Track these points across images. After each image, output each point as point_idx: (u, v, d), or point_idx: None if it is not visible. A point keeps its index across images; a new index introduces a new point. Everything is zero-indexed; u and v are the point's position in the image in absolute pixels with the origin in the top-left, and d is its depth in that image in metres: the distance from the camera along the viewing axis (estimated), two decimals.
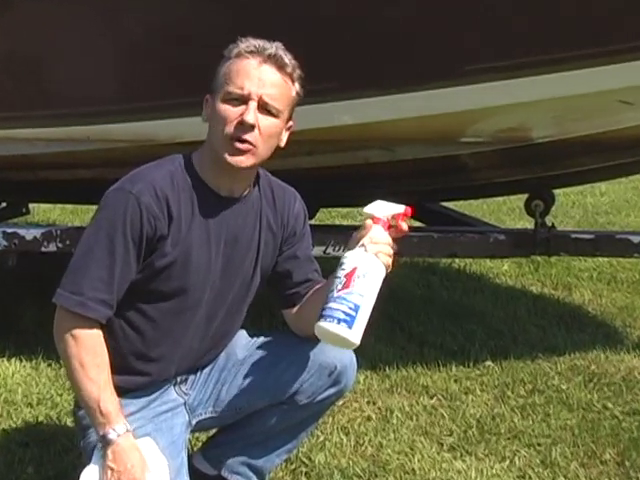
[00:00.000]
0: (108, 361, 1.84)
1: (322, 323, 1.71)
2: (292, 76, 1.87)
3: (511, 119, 2.88)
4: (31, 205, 4.66)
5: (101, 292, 1.82)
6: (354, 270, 1.72)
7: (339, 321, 1.69)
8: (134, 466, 1.79)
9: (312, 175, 3.05)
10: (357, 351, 2.12)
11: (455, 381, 3.14)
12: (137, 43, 2.99)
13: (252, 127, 1.81)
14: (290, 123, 1.92)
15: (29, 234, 3.24)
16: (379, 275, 1.75)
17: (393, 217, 1.80)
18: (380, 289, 1.77)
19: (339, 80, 2.78)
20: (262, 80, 1.82)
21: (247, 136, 1.82)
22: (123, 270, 1.83)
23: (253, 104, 1.81)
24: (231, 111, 1.82)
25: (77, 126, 3.14)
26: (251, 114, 1.80)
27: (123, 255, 1.82)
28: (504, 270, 4.71)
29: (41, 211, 6.20)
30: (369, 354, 3.30)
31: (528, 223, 4.15)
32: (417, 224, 4.14)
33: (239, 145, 1.82)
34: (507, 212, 6.53)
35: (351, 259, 1.75)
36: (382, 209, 1.80)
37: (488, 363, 3.29)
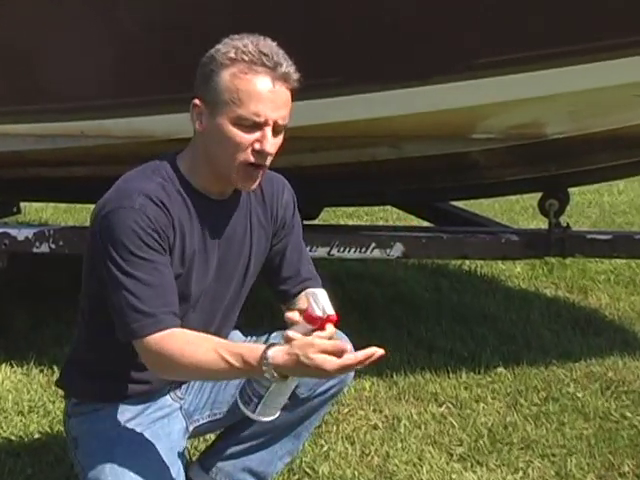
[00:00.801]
0: (204, 335, 1.82)
1: (237, 397, 1.86)
2: (293, 86, 1.84)
3: (524, 114, 2.88)
4: (22, 204, 4.67)
5: (163, 306, 1.80)
6: None
7: (245, 402, 1.82)
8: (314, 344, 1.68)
9: (316, 173, 3.06)
10: None
11: (465, 388, 3.14)
12: (133, 34, 2.99)
13: (270, 154, 1.82)
14: None
15: (20, 234, 3.24)
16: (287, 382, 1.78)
17: (320, 320, 1.78)
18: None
19: (344, 74, 2.78)
20: (276, 103, 1.79)
21: (263, 163, 1.83)
22: (170, 276, 1.84)
23: (269, 130, 1.80)
24: (245, 138, 1.80)
25: (70, 121, 3.15)
26: (270, 142, 1.80)
27: (163, 263, 1.82)
28: (517, 272, 4.71)
29: (33, 210, 6.21)
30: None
31: (542, 223, 4.14)
32: (426, 224, 4.15)
33: (254, 172, 1.84)
34: (520, 212, 6.53)
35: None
36: (316, 304, 1.80)
37: (500, 369, 3.29)
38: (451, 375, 3.23)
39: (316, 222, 4.03)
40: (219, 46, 1.83)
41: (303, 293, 1.89)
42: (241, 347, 1.78)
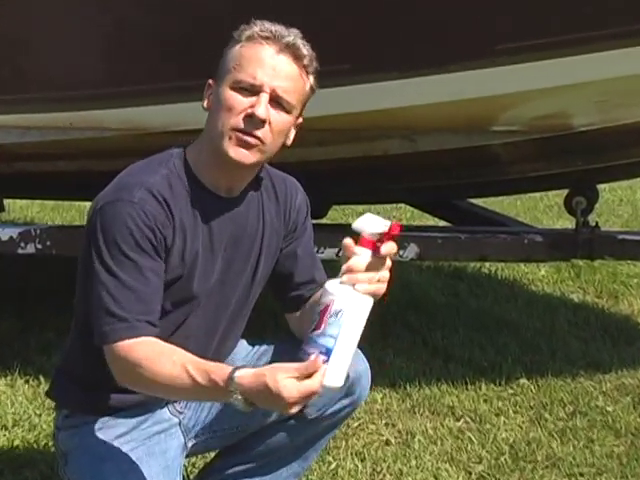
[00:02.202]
0: (179, 349, 1.80)
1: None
2: (308, 69, 1.88)
3: (549, 105, 2.88)
4: (6, 201, 4.68)
5: (142, 314, 1.81)
6: (327, 308, 1.74)
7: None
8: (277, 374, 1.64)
9: (324, 168, 3.06)
10: (374, 368, 2.14)
11: (485, 401, 3.14)
12: (127, 16, 3.00)
13: (263, 122, 1.82)
14: (299, 120, 1.94)
15: (4, 234, 3.25)
16: (358, 310, 1.75)
17: (380, 236, 1.76)
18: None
19: (354, 60, 2.79)
20: (277, 71, 1.83)
21: (255, 131, 1.83)
22: (156, 283, 1.84)
23: (265, 96, 1.82)
24: (239, 101, 1.83)
25: (58, 112, 3.16)
26: (262, 107, 1.82)
27: (152, 268, 1.83)
28: (541, 276, 4.71)
29: (17, 208, 6.23)
30: (388, 370, 3.31)
31: (568, 222, 4.14)
32: (442, 224, 4.15)
33: (245, 137, 1.83)
34: (544, 210, 6.52)
35: (327, 293, 1.76)
36: (370, 225, 1.77)
37: (522, 381, 3.30)
38: (469, 387, 3.23)
39: (324, 221, 4.03)
40: (244, 26, 1.88)
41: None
42: (210, 364, 1.74)
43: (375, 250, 1.74)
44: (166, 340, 1.93)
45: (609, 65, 2.72)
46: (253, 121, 1.82)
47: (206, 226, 1.92)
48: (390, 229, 1.73)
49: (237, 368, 1.68)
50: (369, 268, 1.73)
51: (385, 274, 1.76)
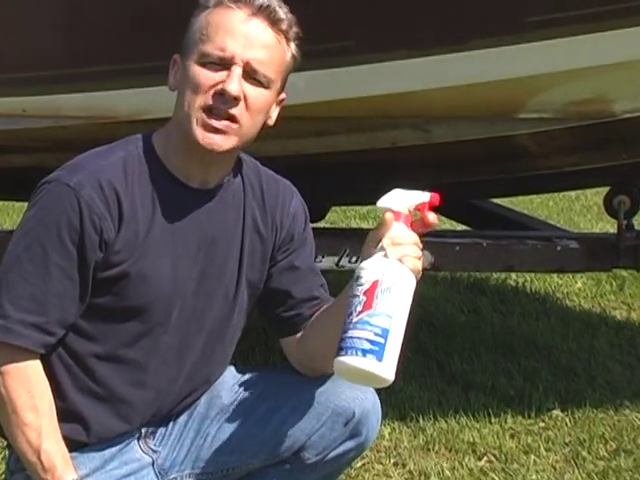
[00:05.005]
0: (51, 401, 1.88)
1: (343, 358, 1.74)
2: (287, 34, 1.90)
3: (587, 87, 2.89)
4: None
5: (31, 314, 1.85)
6: (375, 284, 1.75)
7: (364, 352, 1.72)
8: None
9: (322, 163, 3.06)
10: (381, 395, 2.14)
11: (511, 436, 3.15)
12: None
13: (235, 99, 1.84)
14: (282, 95, 1.96)
15: None
16: (408, 286, 1.78)
17: (417, 208, 1.84)
18: (410, 307, 1.78)
19: (357, 37, 2.80)
20: (250, 39, 1.85)
21: (228, 109, 1.84)
22: (63, 285, 1.86)
23: (237, 70, 1.84)
24: (207, 77, 1.84)
25: (9, 97, 3.16)
26: (235, 83, 1.83)
27: (60, 266, 1.85)
28: (577, 289, 4.72)
29: None
30: (397, 400, 3.31)
31: (609, 226, 4.15)
32: (461, 227, 4.16)
33: (215, 123, 1.84)
34: (581, 212, 6.54)
35: (370, 270, 1.78)
36: (402, 200, 1.84)
37: (556, 413, 3.30)
38: (493, 420, 3.24)
39: (322, 224, 4.04)
40: None
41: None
42: (59, 451, 1.87)
43: (412, 225, 1.82)
44: (124, 356, 1.95)
45: None
46: (224, 99, 1.84)
47: (168, 220, 1.93)
48: (431, 199, 1.82)
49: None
50: None
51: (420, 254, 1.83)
